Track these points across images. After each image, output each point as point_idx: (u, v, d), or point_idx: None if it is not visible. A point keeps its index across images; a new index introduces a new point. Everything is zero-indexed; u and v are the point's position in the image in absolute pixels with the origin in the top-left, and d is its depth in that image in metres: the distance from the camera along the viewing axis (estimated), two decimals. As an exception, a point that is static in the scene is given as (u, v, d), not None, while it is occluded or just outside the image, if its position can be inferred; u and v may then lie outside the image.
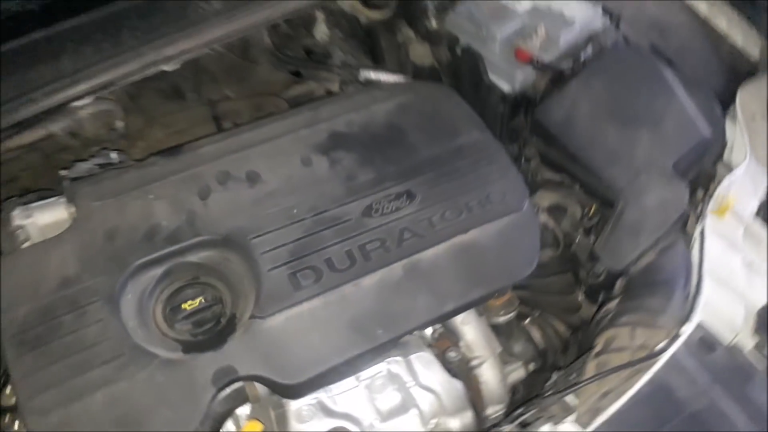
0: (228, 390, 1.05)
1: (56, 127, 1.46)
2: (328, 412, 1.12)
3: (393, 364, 1.15)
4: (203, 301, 1.12)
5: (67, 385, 0.99)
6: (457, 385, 1.15)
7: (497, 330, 1.27)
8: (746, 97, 1.44)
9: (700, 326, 1.06)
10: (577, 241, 1.31)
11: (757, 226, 1.25)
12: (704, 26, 1.55)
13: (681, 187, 1.24)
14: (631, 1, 1.57)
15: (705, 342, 1.05)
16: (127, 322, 1.06)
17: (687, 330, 1.06)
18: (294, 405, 1.11)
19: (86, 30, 1.28)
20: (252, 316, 1.07)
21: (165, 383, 1.01)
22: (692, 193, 1.29)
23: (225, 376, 1.03)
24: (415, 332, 1.17)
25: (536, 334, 1.29)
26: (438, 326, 1.22)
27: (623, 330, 1.11)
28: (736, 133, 1.39)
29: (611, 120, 1.30)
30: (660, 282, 1.16)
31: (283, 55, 1.66)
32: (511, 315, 1.26)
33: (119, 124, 1.54)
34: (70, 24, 1.27)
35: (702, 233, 1.18)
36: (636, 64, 1.38)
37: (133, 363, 1.02)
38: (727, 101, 1.44)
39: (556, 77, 1.38)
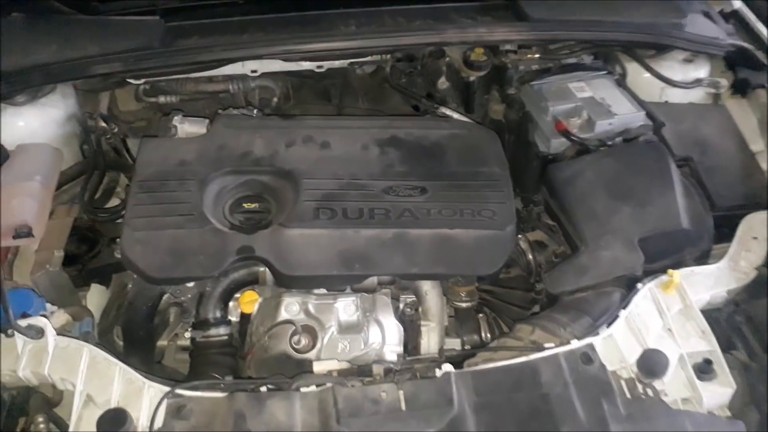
0: (245, 263, 1.51)
1: (233, 87, 2.09)
2: (306, 312, 1.52)
3: (364, 297, 1.53)
4: (257, 207, 1.62)
5: (155, 219, 1.53)
6: (400, 330, 1.49)
7: (455, 313, 1.59)
8: (758, 221, 1.62)
9: (591, 347, 1.31)
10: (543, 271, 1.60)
11: (697, 315, 1.43)
12: (745, 152, 1.76)
13: (636, 256, 1.48)
14: (689, 117, 1.84)
15: (587, 356, 1.28)
16: (206, 199, 1.59)
17: (576, 344, 1.31)
18: (286, 299, 1.53)
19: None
20: (280, 224, 1.54)
21: (208, 241, 1.51)
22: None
23: (245, 251, 1.50)
24: (385, 288, 1.55)
25: (484, 328, 1.58)
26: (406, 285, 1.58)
27: (528, 327, 1.39)
28: (730, 249, 1.58)
29: (605, 190, 1.59)
30: (579, 309, 1.41)
31: (411, 91, 2.15)
32: (470, 304, 1.57)
33: (274, 101, 2.14)
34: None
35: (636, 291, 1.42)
36: (649, 156, 1.64)
37: (195, 222, 1.53)
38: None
39: (582, 150, 1.70)
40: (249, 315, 1.55)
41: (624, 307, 1.40)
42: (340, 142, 1.71)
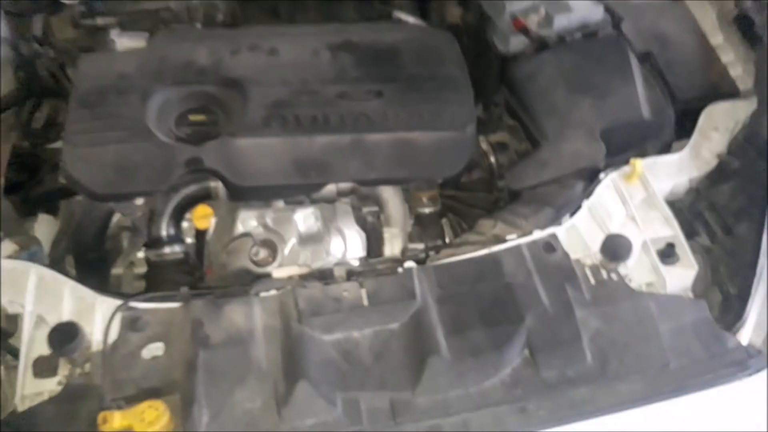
0: (195, 176, 1.44)
1: (175, 4, 1.97)
2: (265, 225, 1.47)
3: (324, 207, 1.48)
4: (204, 119, 1.54)
5: (95, 134, 1.45)
6: (362, 236, 1.45)
7: (418, 219, 1.56)
8: (718, 111, 1.60)
9: (554, 236, 1.29)
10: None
11: (659, 202, 1.41)
12: (704, 46, 1.73)
13: (597, 147, 1.46)
14: (648, 14, 1.79)
15: (549, 245, 1.26)
16: (149, 113, 1.50)
17: (538, 235, 1.29)
18: (242, 212, 1.47)
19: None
20: (229, 135, 1.46)
21: (154, 154, 1.44)
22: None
23: (194, 163, 1.43)
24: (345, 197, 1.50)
25: (448, 232, 1.55)
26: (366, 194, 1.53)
27: (489, 221, 1.37)
28: (692, 139, 1.56)
29: (566, 85, 1.55)
30: (541, 202, 1.39)
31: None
32: (432, 209, 1.54)
33: (219, 17, 2.03)
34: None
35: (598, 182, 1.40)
36: (609, 49, 1.60)
37: (139, 135, 1.45)
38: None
39: (541, 46, 1.65)
40: (204, 232, 1.49)
41: (587, 198, 1.38)
42: (288, 48, 1.63)
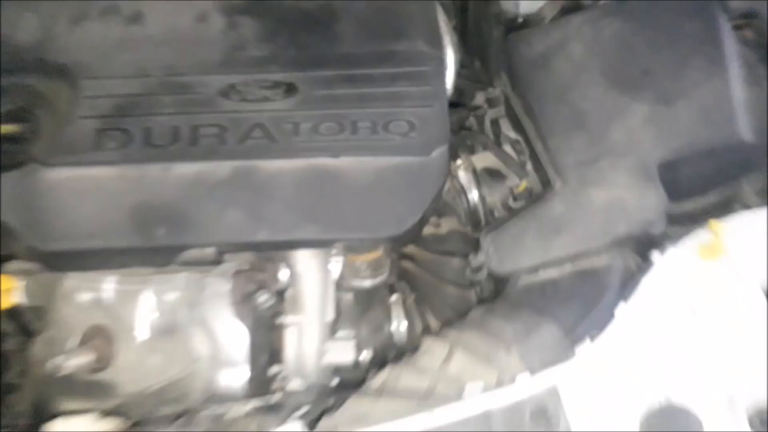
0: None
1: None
2: (99, 304, 0.92)
3: (189, 280, 0.91)
4: (19, 130, 0.97)
5: None
6: (243, 334, 0.88)
7: (355, 296, 0.98)
8: None
9: (554, 394, 0.68)
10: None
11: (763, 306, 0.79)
12: None
13: (652, 195, 0.82)
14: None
15: (542, 413, 0.67)
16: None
17: (525, 385, 0.68)
18: (66, 282, 0.92)
19: None
20: (35, 161, 0.90)
21: None
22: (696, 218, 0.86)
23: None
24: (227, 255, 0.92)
25: (399, 319, 0.96)
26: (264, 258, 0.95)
27: (442, 345, 0.77)
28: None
29: (602, 76, 0.90)
30: (540, 309, 0.78)
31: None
32: (375, 282, 0.95)
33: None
34: None
35: (650, 267, 0.77)
36: (682, 13, 0.93)
37: None
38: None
39: (570, 8, 0.99)
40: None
41: (624, 299, 0.76)
42: (160, 11, 1.02)
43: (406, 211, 0.89)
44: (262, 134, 0.91)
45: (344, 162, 0.90)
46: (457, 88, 1.14)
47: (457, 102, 1.22)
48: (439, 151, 0.91)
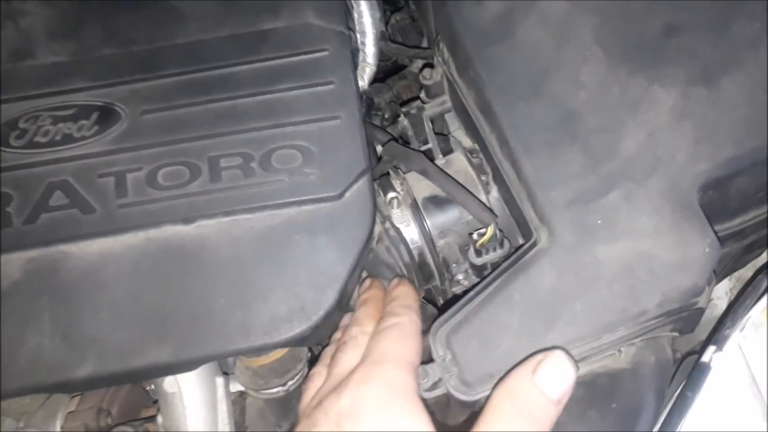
0: None
1: None
2: None
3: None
4: None
5: None
6: None
7: (268, 405, 0.67)
8: None
9: None
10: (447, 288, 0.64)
11: None
12: None
13: (692, 242, 0.50)
14: None
15: None
16: None
17: None
18: None
19: None
20: None
21: None
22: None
23: None
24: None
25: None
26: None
27: None
28: None
29: (603, 45, 0.56)
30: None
31: None
32: (288, 386, 0.64)
33: None
34: None
35: (704, 371, 0.47)
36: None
37: None
38: None
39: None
40: None
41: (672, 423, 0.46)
42: None
43: (313, 292, 0.56)
44: (67, 200, 0.57)
45: (203, 229, 0.56)
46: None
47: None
48: (357, 188, 0.58)
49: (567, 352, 0.47)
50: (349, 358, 0.52)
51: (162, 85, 0.60)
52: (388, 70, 0.93)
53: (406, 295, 0.56)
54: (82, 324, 0.54)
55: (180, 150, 0.58)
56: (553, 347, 0.48)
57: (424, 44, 0.93)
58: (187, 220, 0.56)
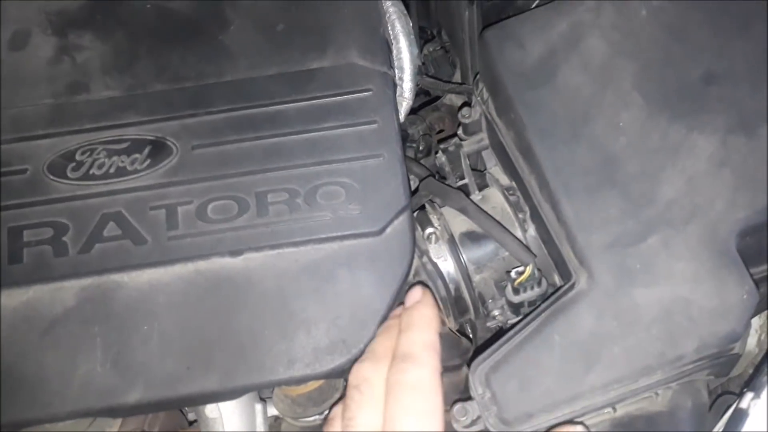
0: None
1: None
2: None
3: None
4: None
5: None
6: None
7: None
8: None
9: None
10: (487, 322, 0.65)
11: None
12: None
13: (731, 288, 0.51)
14: None
15: None
16: None
17: None
18: None
19: None
20: None
21: None
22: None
23: None
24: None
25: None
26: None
27: None
28: None
29: (642, 90, 0.57)
30: None
31: None
32: (325, 414, 0.66)
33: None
34: None
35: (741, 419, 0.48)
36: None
37: None
38: None
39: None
40: None
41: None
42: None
43: (354, 325, 0.58)
44: (120, 231, 0.59)
45: (249, 262, 0.58)
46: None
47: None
48: (398, 224, 0.59)
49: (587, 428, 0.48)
50: (365, 419, 0.50)
51: (212, 121, 0.62)
52: (421, 101, 0.95)
53: (428, 324, 0.54)
54: (132, 351, 0.56)
55: (229, 185, 0.60)
56: (575, 421, 0.49)
57: (457, 75, 0.95)
58: (234, 253, 0.58)
